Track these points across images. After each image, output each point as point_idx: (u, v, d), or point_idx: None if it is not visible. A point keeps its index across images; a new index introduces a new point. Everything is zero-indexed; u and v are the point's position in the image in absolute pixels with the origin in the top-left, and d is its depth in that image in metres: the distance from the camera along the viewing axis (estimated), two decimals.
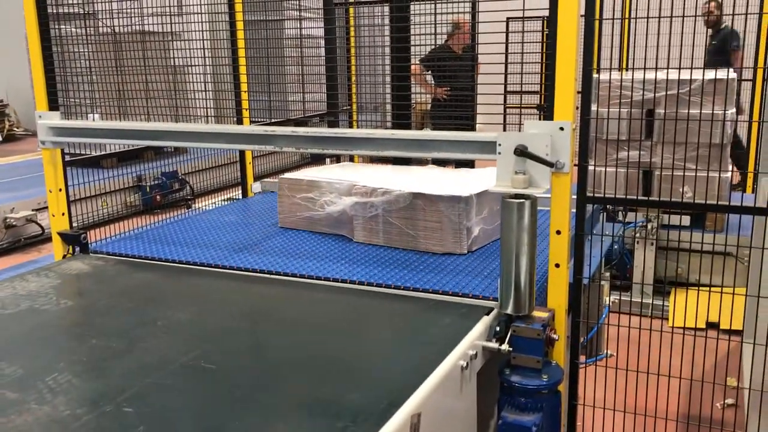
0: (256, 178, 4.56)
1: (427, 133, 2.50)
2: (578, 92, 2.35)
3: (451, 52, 6.77)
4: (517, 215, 2.29)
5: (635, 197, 3.16)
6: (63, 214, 3.28)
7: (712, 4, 7.49)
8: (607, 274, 4.00)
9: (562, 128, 2.28)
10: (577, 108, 2.37)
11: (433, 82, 6.51)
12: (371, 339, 2.34)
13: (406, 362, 2.11)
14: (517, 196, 2.30)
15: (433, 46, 5.74)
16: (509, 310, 2.35)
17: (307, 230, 3.41)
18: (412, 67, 5.80)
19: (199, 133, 2.77)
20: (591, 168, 3.20)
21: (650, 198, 3.78)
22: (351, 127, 5.40)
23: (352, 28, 5.51)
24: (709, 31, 7.65)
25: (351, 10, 5.65)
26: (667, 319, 5.17)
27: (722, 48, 7.52)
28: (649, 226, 5.17)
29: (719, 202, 5.26)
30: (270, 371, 2.09)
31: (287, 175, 3.57)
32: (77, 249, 3.21)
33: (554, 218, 2.37)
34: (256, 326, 2.50)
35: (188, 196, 7.80)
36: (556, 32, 2.23)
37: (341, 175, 3.41)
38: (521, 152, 2.28)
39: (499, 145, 2.33)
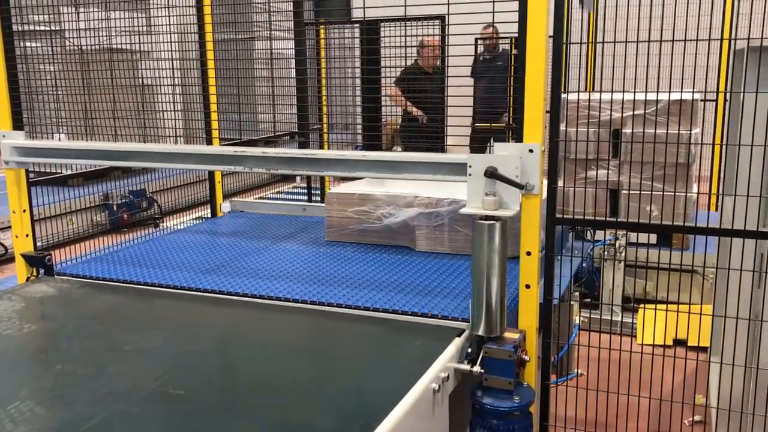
0: (226, 197, 4.53)
1: (398, 155, 2.51)
2: (547, 112, 2.37)
3: (422, 71, 6.83)
4: (487, 236, 2.30)
5: (603, 219, 3.19)
6: (27, 235, 3.21)
7: (490, 30, 7.34)
8: (576, 293, 4.03)
9: (531, 150, 2.30)
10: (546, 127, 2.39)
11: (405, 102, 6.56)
12: (343, 362, 2.32)
13: (378, 385, 2.09)
14: (487, 217, 2.31)
15: (402, 66, 5.78)
16: (481, 332, 2.35)
17: (360, 242, 3.52)
18: (392, 89, 5.86)
19: (167, 154, 2.74)
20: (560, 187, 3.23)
21: (618, 219, 3.82)
22: (321, 145, 5.39)
23: (322, 49, 5.52)
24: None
25: (321, 31, 5.67)
26: (636, 336, 5.22)
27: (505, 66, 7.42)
28: (617, 245, 5.23)
29: (685, 223, 5.35)
30: (240, 396, 2.06)
31: (336, 189, 3.66)
32: (41, 271, 3.14)
33: (524, 239, 2.38)
34: (227, 350, 2.46)
35: (156, 215, 7.70)
36: (524, 56, 2.25)
37: (388, 189, 3.52)
38: (491, 174, 2.30)
39: (470, 166, 2.34)
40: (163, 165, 2.76)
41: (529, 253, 2.38)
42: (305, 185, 6.77)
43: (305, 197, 6.50)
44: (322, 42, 5.60)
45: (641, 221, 3.07)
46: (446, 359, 2.23)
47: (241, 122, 5.23)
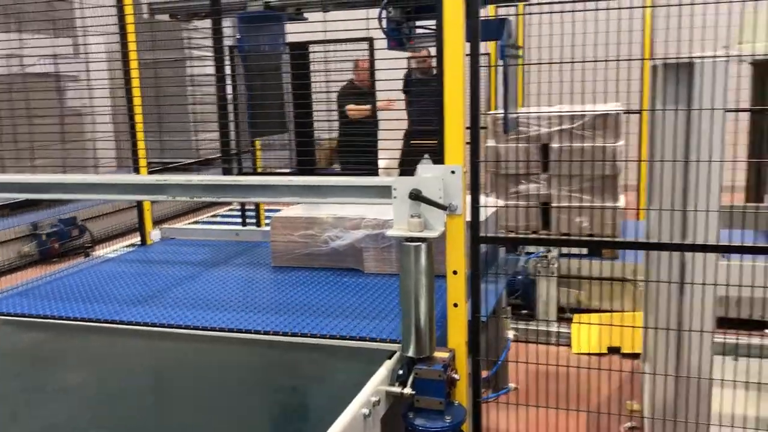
0: (162, 221, 4.44)
1: (323, 179, 2.51)
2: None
3: (358, 89, 6.89)
4: (414, 258, 2.32)
5: (525, 236, 3.26)
6: None
7: (424, 52, 7.41)
8: (508, 308, 4.10)
9: (453, 171, 2.34)
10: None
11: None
12: (273, 391, 2.30)
13: (308, 413, 2.09)
14: (413, 239, 2.33)
15: (335, 83, 5.82)
16: (411, 353, 2.36)
17: (307, 267, 3.47)
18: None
19: (88, 185, 2.67)
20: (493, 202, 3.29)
21: (539, 235, 3.92)
22: (255, 167, 5.35)
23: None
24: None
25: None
26: (572, 346, 5.33)
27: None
28: (549, 256, 5.34)
29: (614, 233, 5.52)
30: None
31: (281, 213, 3.57)
32: None
33: (450, 259, 2.41)
34: (155, 385, 2.41)
35: (86, 244, 7.49)
36: (442, 81, 2.29)
37: (334, 211, 3.47)
38: (416, 196, 2.32)
39: (395, 189, 2.36)
40: (84, 196, 2.70)
41: (455, 272, 2.42)
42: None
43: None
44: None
45: (562, 236, 3.14)
46: (377, 383, 2.23)
47: (162, 150, 5.15)
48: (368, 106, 6.24)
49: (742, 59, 2.65)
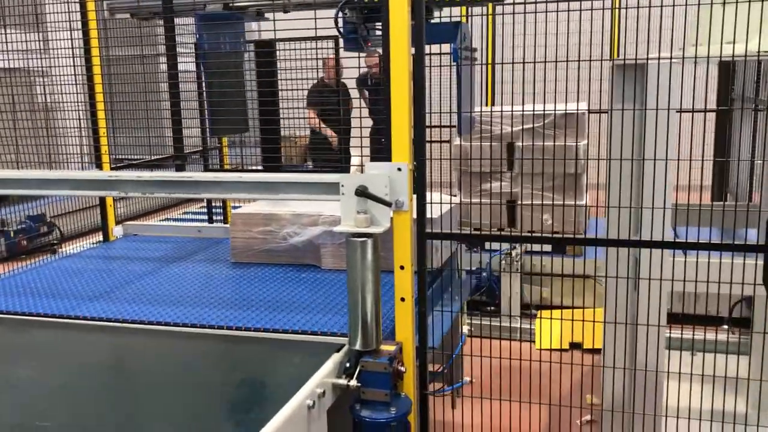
0: (130, 219, 4.45)
1: (274, 176, 2.55)
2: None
3: (328, 86, 6.94)
4: (360, 253, 2.36)
5: (469, 232, 3.32)
6: None
7: (375, 56, 7.48)
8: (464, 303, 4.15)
9: (399, 169, 2.39)
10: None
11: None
12: (220, 386, 2.33)
13: (253, 405, 2.12)
14: (360, 234, 2.38)
15: (303, 81, 5.86)
16: (358, 346, 2.41)
17: (267, 263, 3.49)
18: (308, 113, 6.00)
19: (40, 180, 2.69)
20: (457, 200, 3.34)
21: (491, 233, 3.98)
22: (221, 163, 5.37)
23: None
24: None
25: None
26: (535, 342, 5.41)
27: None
28: (513, 254, 5.42)
29: (575, 231, 5.61)
30: (110, 427, 2.04)
31: (241, 210, 3.58)
32: None
33: (397, 254, 2.46)
34: (104, 380, 2.42)
35: (54, 241, 7.45)
36: (389, 80, 2.34)
37: (292, 208, 3.50)
38: (361, 193, 2.37)
39: (342, 186, 2.41)
40: (36, 192, 2.71)
41: (402, 267, 2.46)
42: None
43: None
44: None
45: (524, 234, 3.20)
46: (323, 375, 2.28)
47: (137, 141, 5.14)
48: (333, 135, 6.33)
49: (710, 59, 2.71)
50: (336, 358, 2.40)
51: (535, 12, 2.43)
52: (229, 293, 3.08)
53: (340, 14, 3.21)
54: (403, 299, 2.48)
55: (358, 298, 2.38)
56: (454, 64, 3.13)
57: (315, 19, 3.25)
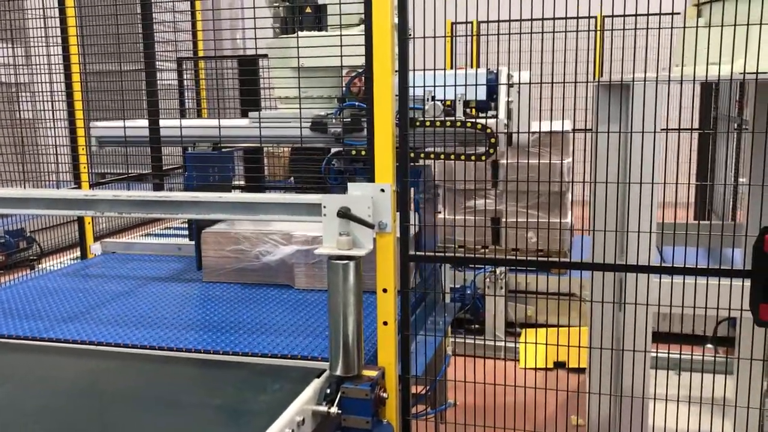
0: (111, 234, 4.37)
1: (254, 196, 2.50)
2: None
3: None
4: (342, 276, 2.31)
5: (453, 254, 3.28)
6: None
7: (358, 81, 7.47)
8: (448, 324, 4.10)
9: (383, 190, 2.35)
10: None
11: None
12: (196, 412, 2.26)
13: None
14: (342, 257, 2.32)
15: None
16: (339, 371, 2.35)
17: (238, 282, 3.43)
18: None
19: (11, 199, 2.61)
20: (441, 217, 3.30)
21: (475, 255, 3.95)
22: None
23: (202, 81, 5.47)
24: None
25: (201, 64, 5.62)
26: (519, 360, 5.37)
27: None
28: (498, 272, 5.39)
29: (560, 248, 5.59)
30: None
31: (212, 228, 3.49)
32: None
33: (380, 277, 2.41)
34: (75, 404, 2.35)
35: (32, 257, 7.32)
36: (372, 101, 2.30)
37: (265, 226, 3.42)
38: (344, 214, 2.32)
39: (324, 207, 2.36)
40: (11, 211, 2.64)
41: (385, 290, 2.41)
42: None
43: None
44: (202, 74, 5.57)
45: (508, 253, 3.17)
46: (303, 402, 2.21)
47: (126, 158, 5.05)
48: None
49: (695, 80, 2.70)
50: (316, 384, 2.33)
51: (520, 33, 2.41)
52: (207, 314, 3.01)
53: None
54: (385, 323, 2.42)
55: (340, 322, 2.33)
56: None
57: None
